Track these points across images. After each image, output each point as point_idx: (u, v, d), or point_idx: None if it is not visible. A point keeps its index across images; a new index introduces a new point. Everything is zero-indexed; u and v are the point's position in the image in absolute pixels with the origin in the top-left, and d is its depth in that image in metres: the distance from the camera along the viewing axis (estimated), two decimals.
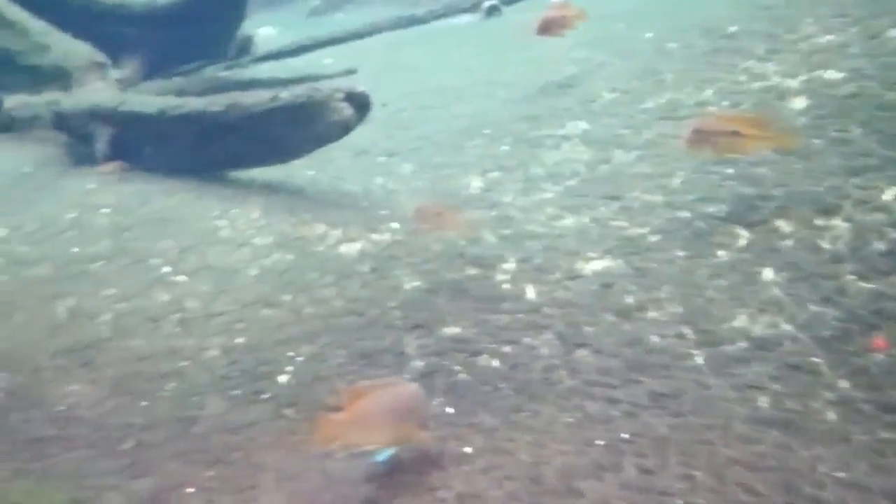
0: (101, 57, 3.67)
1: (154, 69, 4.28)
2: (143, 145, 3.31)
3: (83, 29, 3.92)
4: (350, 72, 4.50)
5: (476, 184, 2.95)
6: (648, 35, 3.65)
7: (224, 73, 4.59)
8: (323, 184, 3.11)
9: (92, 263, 2.64)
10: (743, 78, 2.90)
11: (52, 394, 2.07)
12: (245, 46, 4.41)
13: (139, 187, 3.18)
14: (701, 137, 2.30)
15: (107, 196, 3.11)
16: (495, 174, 3.00)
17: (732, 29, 3.24)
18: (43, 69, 3.64)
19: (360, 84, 2.96)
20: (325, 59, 5.01)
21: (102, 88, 3.53)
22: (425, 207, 2.57)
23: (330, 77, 4.47)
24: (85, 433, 1.92)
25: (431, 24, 5.72)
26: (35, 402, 2.06)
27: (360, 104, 2.89)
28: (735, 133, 2.26)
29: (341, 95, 2.88)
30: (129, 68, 4.07)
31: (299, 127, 2.95)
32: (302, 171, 3.19)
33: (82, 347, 2.24)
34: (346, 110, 2.86)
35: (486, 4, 5.64)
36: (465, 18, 5.75)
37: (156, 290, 2.45)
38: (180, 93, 4.33)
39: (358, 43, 5.39)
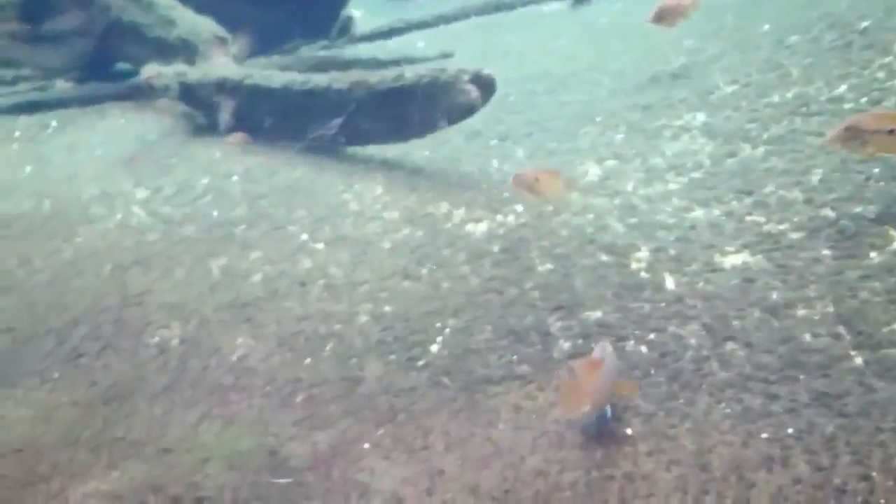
0: (223, 32, 3.71)
1: (262, 46, 4.32)
2: (264, 118, 3.34)
3: (199, 4, 3.98)
4: (447, 55, 4.49)
5: (594, 171, 2.92)
6: (766, 27, 3.56)
7: (323, 53, 4.61)
8: (440, 163, 3.11)
9: (234, 227, 2.69)
10: (882, 75, 2.82)
11: (223, 345, 2.13)
12: (346, 27, 4.42)
13: (263, 159, 3.22)
14: (854, 135, 2.23)
15: (234, 165, 3.15)
16: (612, 162, 2.96)
17: (864, 24, 3.15)
18: (169, 42, 3.70)
19: (485, 69, 2.92)
20: (417, 43, 5.01)
21: (226, 63, 3.58)
22: (523, 174, 2.55)
23: (427, 60, 4.46)
24: (259, 384, 1.99)
25: (519, 10, 5.69)
26: (209, 351, 2.12)
27: (486, 86, 2.88)
28: (893, 132, 2.20)
29: (467, 77, 2.86)
30: (239, 44, 4.11)
31: (424, 106, 2.95)
32: (418, 150, 3.19)
33: (241, 304, 2.30)
34: (473, 92, 2.84)
35: None
36: (554, 5, 5.69)
37: (299, 256, 2.49)
38: (286, 69, 4.39)
39: (448, 27, 5.40)
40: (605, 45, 4.28)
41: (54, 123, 3.74)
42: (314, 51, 4.64)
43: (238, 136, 3.30)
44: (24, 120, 3.77)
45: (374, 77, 3.05)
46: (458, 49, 4.70)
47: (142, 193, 2.99)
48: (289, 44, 4.47)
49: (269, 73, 3.38)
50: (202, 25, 3.71)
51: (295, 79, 3.24)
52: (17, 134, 3.65)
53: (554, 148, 3.13)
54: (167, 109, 3.86)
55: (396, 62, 4.40)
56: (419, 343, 2.08)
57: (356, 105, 3.08)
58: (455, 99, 2.87)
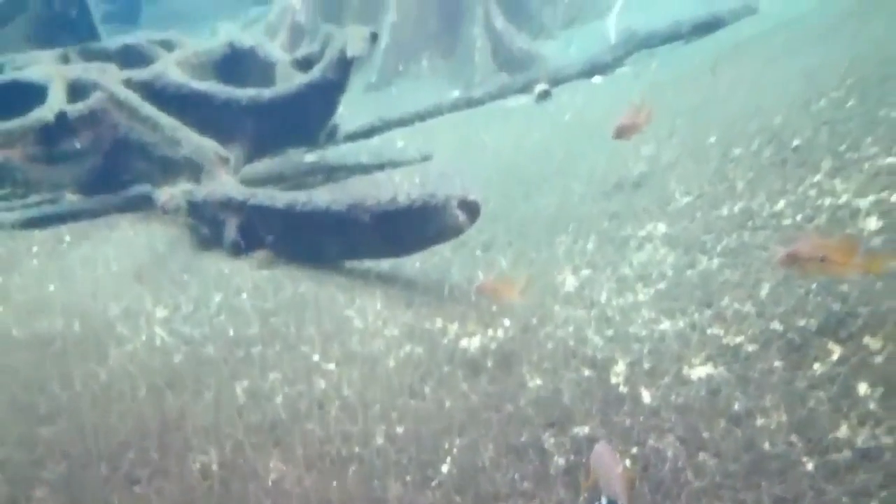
0: (224, 153, 3.94)
1: (255, 152, 4.56)
2: (267, 235, 3.56)
3: (201, 117, 4.23)
4: (426, 158, 4.78)
5: (571, 281, 3.20)
6: (712, 139, 3.92)
7: (310, 158, 4.87)
8: (431, 276, 3.35)
9: (251, 347, 2.88)
10: (813, 193, 3.16)
11: (259, 468, 2.31)
12: (332, 132, 4.68)
13: (268, 273, 3.43)
14: (793, 261, 2.55)
15: (242, 280, 3.35)
16: (587, 272, 3.24)
17: (796, 142, 3.51)
18: (174, 160, 3.92)
19: (472, 192, 3.19)
20: (398, 142, 5.31)
21: (230, 181, 3.79)
22: (484, 284, 2.89)
23: (409, 163, 4.74)
24: None
25: (488, 105, 6.04)
26: (247, 475, 2.30)
27: (472, 210, 3.14)
28: (825, 258, 2.51)
29: (456, 202, 3.12)
30: (235, 152, 4.34)
31: (416, 228, 3.20)
32: (410, 261, 3.44)
33: (268, 427, 2.48)
34: (461, 216, 3.10)
35: (539, 89, 5.95)
36: (520, 100, 6.06)
37: (314, 377, 2.69)
38: (280, 176, 4.63)
39: (424, 124, 5.71)
40: (572, 145, 4.62)
41: (68, 238, 3.90)
42: (300, 154, 4.89)
43: (263, 254, 3.52)
44: (39, 234, 3.94)
45: (371, 200, 3.30)
46: (436, 148, 5.00)
47: (161, 312, 3.17)
48: (279, 149, 4.71)
49: (273, 193, 3.61)
50: (206, 146, 3.94)
51: (297, 199, 3.47)
52: (35, 249, 3.80)
53: (534, 257, 3.41)
54: (172, 220, 4.07)
55: (381, 166, 4.68)
56: (431, 463, 2.30)
57: (354, 226, 3.32)
58: (445, 222, 3.13)
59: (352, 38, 4.24)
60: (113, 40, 5.79)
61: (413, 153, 4.87)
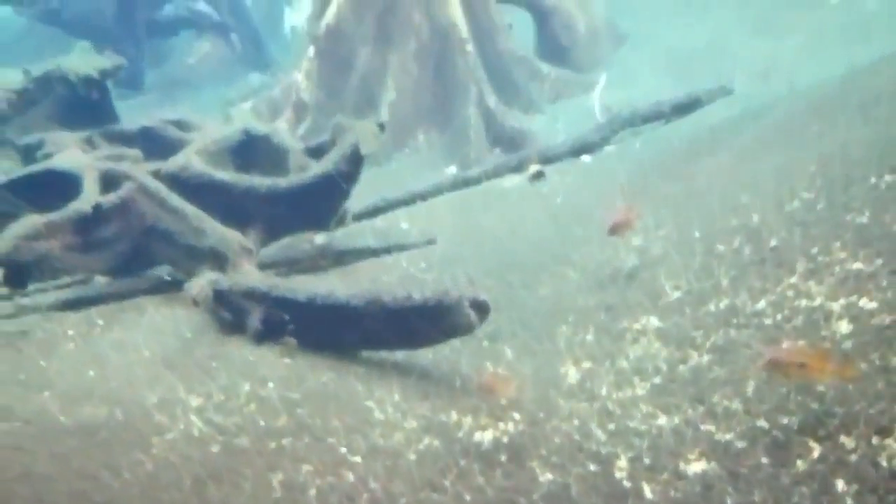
0: (248, 244, 4.16)
1: (269, 237, 4.78)
2: (289, 324, 3.76)
3: (221, 204, 4.47)
4: (431, 241, 5.03)
5: (573, 373, 3.43)
6: (696, 234, 4.22)
7: (320, 241, 5.10)
8: (443, 367, 3.57)
9: (282, 438, 3.05)
10: (790, 293, 3.44)
11: None
12: (343, 218, 4.92)
13: (290, 362, 3.63)
14: (774, 366, 2.81)
15: (267, 370, 3.54)
16: (587, 364, 3.48)
17: (774, 242, 3.80)
18: (199, 249, 4.13)
19: (481, 293, 3.42)
20: (401, 223, 5.56)
21: (254, 272, 4.01)
22: (485, 382, 3.15)
23: (414, 246, 4.99)
24: None
25: (484, 184, 6.34)
26: None
27: (482, 310, 3.38)
28: (803, 365, 2.78)
29: (467, 302, 3.36)
30: (253, 237, 4.56)
31: (430, 324, 3.43)
32: (422, 352, 3.65)
33: None
34: (472, 315, 3.34)
35: (532, 170, 6.27)
36: (514, 179, 6.37)
37: (342, 470, 2.86)
38: (293, 260, 4.85)
39: (425, 203, 5.98)
40: (566, 231, 4.90)
41: (100, 322, 4.08)
42: (311, 237, 5.13)
43: (285, 342, 3.72)
44: (73, 317, 4.10)
45: (387, 296, 3.52)
46: (438, 230, 5.26)
47: (195, 401, 3.35)
48: (293, 233, 4.94)
49: (294, 285, 3.83)
50: (230, 237, 4.16)
51: (318, 291, 3.69)
52: (70, 332, 3.97)
53: (537, 349, 3.64)
54: (190, 303, 4.26)
55: (388, 250, 4.92)
56: None
57: (371, 319, 3.54)
58: (457, 321, 3.36)
59: (363, 134, 4.52)
60: (132, 122, 6.04)
61: (417, 236, 5.12)
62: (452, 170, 7.10)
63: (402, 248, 4.94)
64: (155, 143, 5.92)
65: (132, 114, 7.12)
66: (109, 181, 4.47)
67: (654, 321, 3.64)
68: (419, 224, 5.45)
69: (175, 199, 4.28)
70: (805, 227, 3.82)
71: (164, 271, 4.53)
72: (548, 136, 7.80)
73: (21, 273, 3.88)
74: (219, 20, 12.11)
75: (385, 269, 4.73)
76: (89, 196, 4.22)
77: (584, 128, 7.58)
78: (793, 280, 3.51)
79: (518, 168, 6.45)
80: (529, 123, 7.95)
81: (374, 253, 4.90)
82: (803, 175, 4.30)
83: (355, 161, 4.53)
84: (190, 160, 4.69)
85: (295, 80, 7.91)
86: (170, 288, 4.47)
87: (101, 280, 4.43)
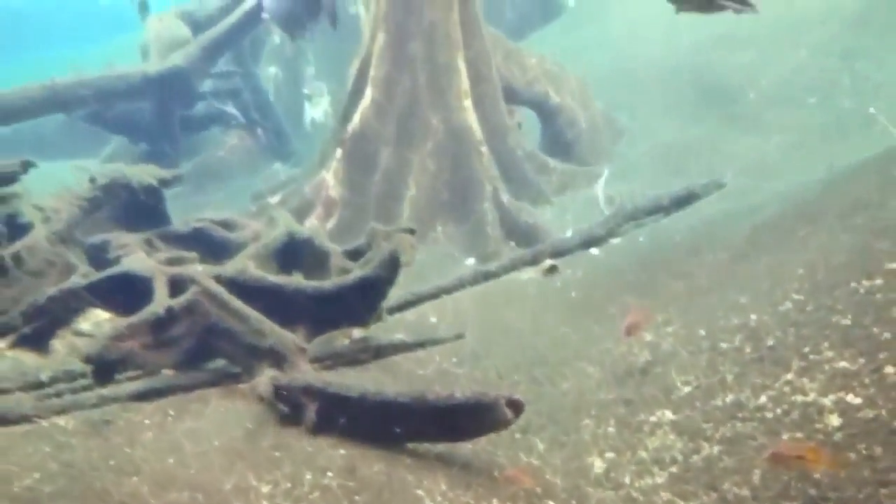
0: (303, 344, 4.58)
1: (315, 332, 5.20)
2: (341, 417, 4.15)
3: (273, 304, 4.90)
4: (459, 336, 5.44)
5: (598, 464, 3.81)
6: (702, 332, 4.65)
7: (357, 336, 5.51)
8: (482, 457, 3.94)
9: None
10: (787, 389, 3.85)
11: None
12: (380, 315, 5.34)
13: (344, 452, 3.99)
14: (776, 459, 3.21)
15: (324, 460, 3.89)
16: (611, 455, 3.86)
17: (770, 342, 4.23)
18: (258, 348, 4.54)
19: (516, 393, 3.83)
20: (430, 317, 5.99)
21: (309, 370, 4.42)
22: (508, 474, 3.51)
23: (445, 341, 5.40)
24: None
25: (503, 277, 6.81)
26: None
27: (517, 408, 3.77)
28: (801, 457, 3.17)
29: (504, 401, 3.75)
30: (300, 334, 4.97)
31: (470, 420, 3.81)
32: (462, 444, 4.02)
33: None
34: (509, 414, 3.72)
35: (546, 264, 6.75)
36: (530, 273, 6.85)
37: None
38: (337, 355, 5.25)
39: (449, 296, 6.43)
40: (583, 326, 5.34)
41: (172, 412, 4.43)
42: (350, 332, 5.54)
43: (337, 433, 4.10)
44: (147, 407, 4.45)
45: (431, 395, 3.91)
46: (464, 324, 5.68)
47: (265, 488, 3.69)
48: (335, 329, 5.36)
49: (349, 384, 4.23)
50: (287, 338, 4.58)
51: (369, 389, 4.09)
52: (146, 422, 4.32)
53: (564, 440, 4.02)
54: (251, 397, 4.64)
55: (421, 344, 5.33)
56: None
57: (417, 415, 3.93)
58: (495, 418, 3.75)
59: (401, 244, 5.01)
60: (184, 224, 6.56)
61: (446, 331, 5.54)
62: (471, 262, 7.58)
63: (434, 342, 5.35)
64: (205, 243, 6.44)
65: (169, 203, 7.52)
66: (176, 284, 4.91)
67: (668, 414, 4.03)
68: (447, 318, 5.87)
69: (236, 303, 4.71)
70: (797, 327, 4.25)
71: (222, 366, 4.93)
72: (558, 226, 8.34)
73: (108, 369, 4.28)
74: (241, 118, 12.86)
75: (419, 363, 5.13)
76: (161, 300, 4.65)
77: (590, 219, 8.15)
78: (789, 377, 3.92)
79: (533, 261, 6.93)
80: (540, 215, 8.49)
81: (408, 347, 5.30)
82: (793, 277, 4.76)
83: (394, 267, 4.99)
84: (245, 265, 5.16)
85: (324, 179, 8.49)
86: (228, 381, 4.85)
87: (167, 373, 4.82)
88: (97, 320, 5.99)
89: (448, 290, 6.43)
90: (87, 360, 4.22)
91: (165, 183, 6.46)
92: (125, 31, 21.36)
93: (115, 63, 10.91)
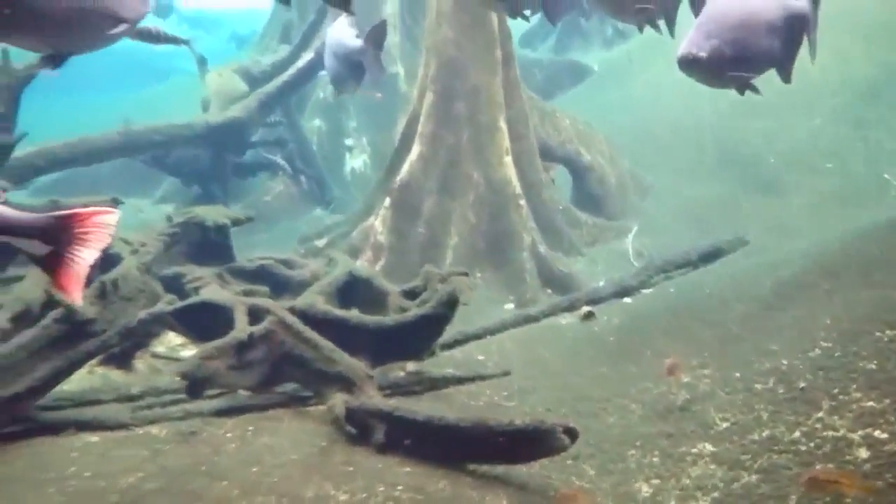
0: (371, 372, 4.95)
1: (374, 364, 5.55)
2: (406, 439, 4.48)
3: (337, 336, 5.27)
4: (506, 373, 5.78)
5: (645, 489, 4.10)
6: (736, 374, 4.97)
7: (411, 368, 5.86)
8: (537, 480, 4.24)
9: None
10: (819, 426, 4.15)
11: None
12: (433, 352, 5.71)
13: (410, 470, 4.31)
14: (812, 484, 3.51)
15: (393, 476, 4.21)
16: (656, 481, 4.15)
17: (802, 384, 4.55)
18: (329, 374, 4.90)
19: (570, 421, 4.16)
20: (477, 355, 6.34)
21: (377, 395, 4.78)
22: (564, 493, 3.80)
23: (492, 377, 5.74)
24: None
25: (542, 321, 7.16)
26: None
27: (573, 435, 4.09)
28: (835, 482, 3.47)
29: (561, 429, 4.08)
30: (362, 362, 5.32)
31: (528, 445, 4.14)
32: (517, 468, 4.33)
33: None
34: (566, 440, 4.05)
35: (584, 311, 7.10)
36: (567, 318, 7.19)
37: None
38: (393, 385, 5.59)
39: (493, 338, 6.78)
40: (622, 368, 5.66)
41: (250, 428, 4.78)
42: (404, 366, 5.89)
43: (399, 454, 4.43)
44: (228, 422, 4.82)
45: (493, 421, 4.25)
46: (507, 363, 6.02)
47: (342, 497, 4.01)
48: (392, 362, 5.72)
49: (415, 410, 4.57)
50: (358, 366, 4.95)
51: (434, 414, 4.43)
52: (228, 435, 4.68)
53: (612, 468, 4.32)
54: (321, 418, 4.99)
55: (472, 379, 5.68)
56: None
57: (478, 438, 4.26)
58: (552, 444, 4.07)
59: (460, 285, 5.41)
60: (249, 262, 7.01)
61: (494, 367, 5.88)
62: (510, 307, 7.95)
63: (482, 377, 5.69)
64: (267, 279, 6.87)
65: None
66: (254, 314, 5.32)
67: (708, 447, 4.33)
68: (492, 357, 6.22)
69: (309, 332, 5.10)
70: (826, 371, 4.57)
71: (292, 389, 5.30)
72: (589, 277, 8.72)
73: (200, 386, 4.66)
74: (288, 168, 13.47)
75: (471, 395, 5.46)
76: (243, 326, 5.06)
77: (620, 271, 8.53)
78: (820, 415, 4.23)
79: (570, 308, 7.28)
80: (572, 266, 8.87)
81: (459, 381, 5.64)
82: (820, 327, 5.10)
83: (452, 306, 5.38)
84: (315, 299, 5.58)
85: (372, 225, 8.95)
86: (298, 403, 5.22)
87: (243, 393, 5.19)
88: (171, 344, 6.43)
89: (492, 332, 6.78)
90: (183, 376, 4.62)
91: (238, 222, 6.94)
92: (158, 82, 22.43)
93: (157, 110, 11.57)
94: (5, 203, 2.90)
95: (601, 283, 8.20)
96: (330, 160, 15.10)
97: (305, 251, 9.89)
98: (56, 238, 2.80)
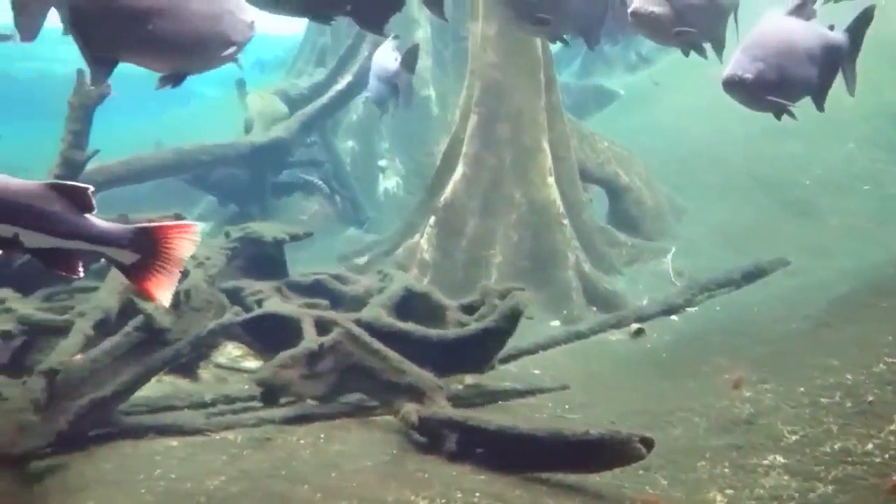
0: (441, 382, 5.05)
1: (437, 376, 5.63)
2: (478, 448, 4.56)
3: (400, 349, 5.37)
4: (564, 387, 5.85)
5: (720, 498, 4.14)
6: (801, 389, 5.01)
7: (469, 382, 5.95)
8: (611, 489, 4.29)
9: None
10: (892, 438, 4.19)
11: None
12: (493, 364, 5.79)
13: (484, 478, 4.37)
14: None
15: (468, 483, 4.28)
16: (730, 492, 4.19)
17: (870, 398, 4.59)
18: (397, 384, 5.00)
19: (646, 432, 4.21)
20: (533, 370, 6.42)
21: (448, 406, 4.87)
22: (644, 499, 3.87)
23: (551, 390, 5.81)
24: None
25: (592, 338, 7.23)
26: None
27: (648, 445, 4.15)
28: None
29: (637, 439, 4.14)
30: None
31: (604, 454, 4.20)
32: (590, 478, 4.39)
33: None
34: (642, 449, 4.11)
35: (634, 328, 7.18)
36: (617, 335, 7.27)
37: None
38: (455, 397, 5.66)
39: (545, 353, 6.86)
40: (680, 384, 5.71)
41: (322, 435, 4.88)
42: (460, 380, 5.98)
43: (470, 462, 4.50)
44: (299, 430, 4.93)
45: (567, 430, 4.32)
46: (564, 376, 6.09)
47: (422, 502, 4.09)
48: (453, 374, 5.81)
49: (487, 418, 4.65)
50: (427, 376, 5.05)
51: (506, 423, 4.51)
52: (301, 442, 4.77)
53: (683, 478, 4.37)
54: (387, 427, 5.08)
55: (532, 392, 5.76)
56: None
57: (552, 449, 4.33)
58: (628, 452, 4.13)
59: (522, 300, 5.52)
60: (304, 276, 7.16)
61: (551, 382, 5.96)
62: (556, 324, 8.03)
63: (542, 391, 5.77)
64: (322, 294, 7.00)
65: None
66: (320, 326, 5.44)
67: (779, 459, 4.37)
68: (547, 371, 6.29)
69: (377, 344, 5.21)
70: (894, 386, 4.62)
71: (357, 399, 5.40)
72: (631, 296, 8.78)
73: (275, 393, 4.77)
74: (325, 187, 13.70)
75: (533, 408, 5.53)
76: (312, 337, 5.18)
77: (660, 290, 8.60)
78: (893, 427, 4.27)
79: (617, 325, 7.36)
80: (615, 284, 8.95)
81: (519, 394, 5.72)
82: (882, 343, 5.14)
83: (515, 320, 5.49)
84: (380, 312, 5.70)
85: (418, 243, 9.10)
86: (363, 413, 5.31)
87: (311, 402, 5.29)
88: (230, 356, 6.56)
89: (544, 347, 6.87)
90: (261, 383, 4.73)
91: (296, 238, 7.10)
92: (179, 106, 22.78)
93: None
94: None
95: (644, 302, 8.27)
96: (363, 181, 15.31)
97: (346, 269, 10.04)
98: (143, 248, 2.96)
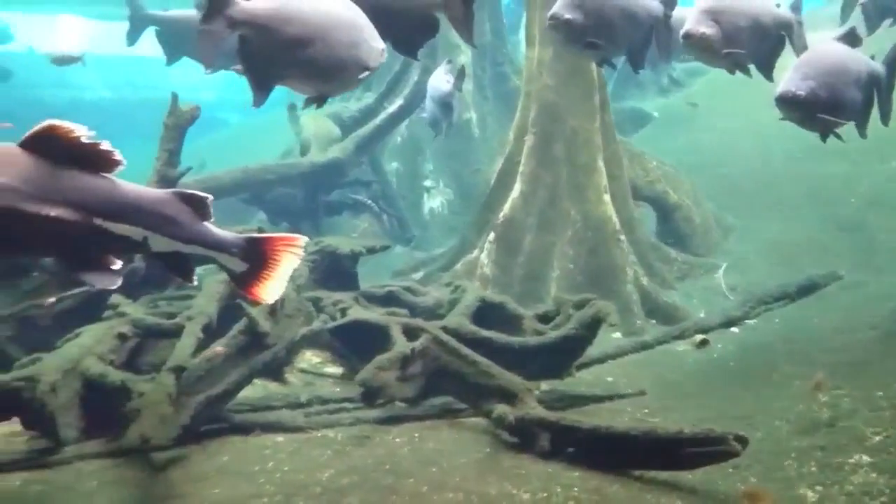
0: (530, 386, 5.27)
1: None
2: (570, 446, 4.77)
3: (483, 355, 5.60)
4: (642, 392, 6.04)
5: (811, 495, 4.30)
6: (879, 393, 5.16)
7: (544, 386, 6.16)
8: (705, 486, 4.45)
9: None
10: None
11: None
12: (571, 371, 6.00)
13: (580, 474, 4.56)
14: None
15: (565, 478, 4.47)
16: (820, 488, 4.35)
17: None
18: (488, 388, 5.22)
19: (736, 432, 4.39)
20: (606, 377, 6.62)
21: (538, 407, 5.09)
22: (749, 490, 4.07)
23: (628, 396, 6.01)
24: None
25: (657, 348, 7.42)
26: None
27: (743, 443, 4.32)
28: None
29: (731, 437, 4.32)
30: None
31: (699, 452, 4.38)
32: (682, 475, 4.57)
33: None
34: (737, 446, 4.29)
35: (699, 338, 7.35)
36: (680, 346, 7.44)
37: None
38: (538, 401, 5.87)
39: (614, 362, 7.05)
40: (753, 390, 5.88)
41: (416, 435, 5.13)
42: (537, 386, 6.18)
43: (564, 460, 4.71)
44: (393, 430, 5.18)
45: (661, 428, 4.52)
46: (639, 385, 6.28)
47: (525, 496, 4.29)
48: (534, 380, 6.02)
49: (576, 417, 4.87)
50: (517, 379, 5.27)
51: (600, 424, 4.72)
52: (397, 440, 5.03)
53: (773, 476, 4.53)
54: (475, 428, 5.31)
55: (611, 398, 5.96)
56: None
57: (646, 447, 4.52)
58: (723, 449, 4.31)
59: (602, 307, 5.74)
60: (378, 288, 7.45)
61: (627, 388, 6.15)
62: (617, 335, 8.22)
63: (620, 396, 5.97)
64: (395, 304, 7.28)
65: None
66: (408, 332, 5.71)
67: (865, 458, 4.52)
68: (620, 378, 6.49)
69: (465, 349, 5.45)
70: None
71: (443, 402, 5.63)
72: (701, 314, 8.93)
73: (374, 394, 5.03)
74: (374, 206, 14.06)
75: (613, 413, 5.72)
76: (402, 342, 5.45)
77: (715, 304, 8.77)
78: None
79: (680, 336, 7.54)
80: (672, 298, 9.13)
81: (598, 399, 5.92)
82: None
83: (595, 328, 5.72)
84: (464, 320, 5.96)
85: (478, 259, 9.38)
86: (451, 415, 5.55)
87: (399, 404, 5.54)
88: (311, 362, 6.85)
89: (612, 356, 7.07)
90: (362, 384, 5.00)
91: (373, 251, 7.41)
92: (206, 132, 23.37)
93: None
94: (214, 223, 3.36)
95: (702, 315, 8.44)
96: (408, 200, 15.68)
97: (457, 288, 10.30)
98: (253, 257, 3.24)
